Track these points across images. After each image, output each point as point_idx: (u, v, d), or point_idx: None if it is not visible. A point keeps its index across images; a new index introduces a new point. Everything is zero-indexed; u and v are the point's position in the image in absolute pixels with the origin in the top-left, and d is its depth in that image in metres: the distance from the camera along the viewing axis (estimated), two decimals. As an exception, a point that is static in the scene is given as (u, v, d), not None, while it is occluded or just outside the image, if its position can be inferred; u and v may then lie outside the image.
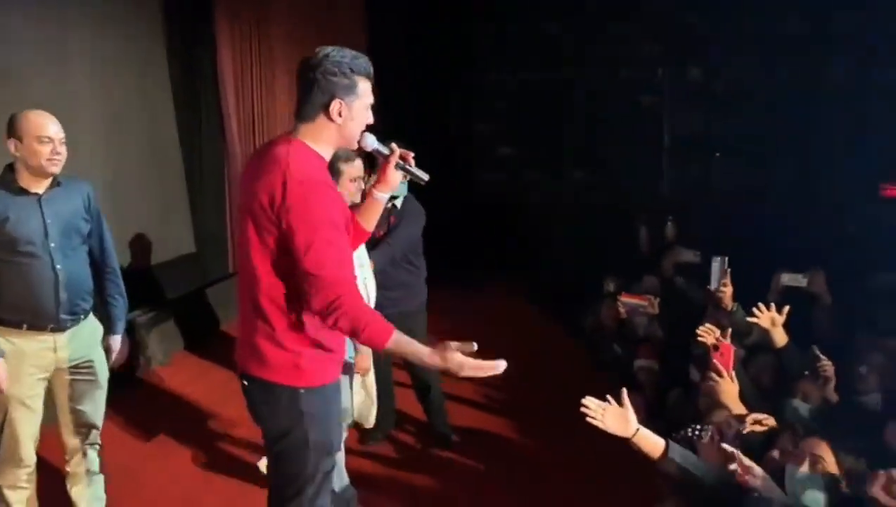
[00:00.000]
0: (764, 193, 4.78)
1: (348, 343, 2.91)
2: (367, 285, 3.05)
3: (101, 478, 3.00)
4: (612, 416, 2.19)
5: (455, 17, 8.16)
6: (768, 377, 3.19)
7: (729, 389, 2.57)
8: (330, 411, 2.13)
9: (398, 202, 3.71)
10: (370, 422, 3.32)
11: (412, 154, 2.21)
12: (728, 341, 2.89)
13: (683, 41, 5.30)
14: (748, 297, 3.53)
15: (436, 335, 4.80)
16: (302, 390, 2.01)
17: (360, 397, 3.16)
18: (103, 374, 2.88)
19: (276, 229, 1.90)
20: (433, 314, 4.05)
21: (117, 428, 4.09)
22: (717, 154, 5.17)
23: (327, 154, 2.06)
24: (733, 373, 2.61)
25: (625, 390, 2.26)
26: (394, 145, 2.19)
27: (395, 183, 2.24)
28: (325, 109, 1.96)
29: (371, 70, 2.05)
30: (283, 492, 2.10)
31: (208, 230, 6.24)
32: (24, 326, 2.61)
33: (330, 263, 1.87)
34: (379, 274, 3.50)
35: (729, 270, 3.37)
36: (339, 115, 1.97)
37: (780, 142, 4.59)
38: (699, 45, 5.17)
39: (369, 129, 2.11)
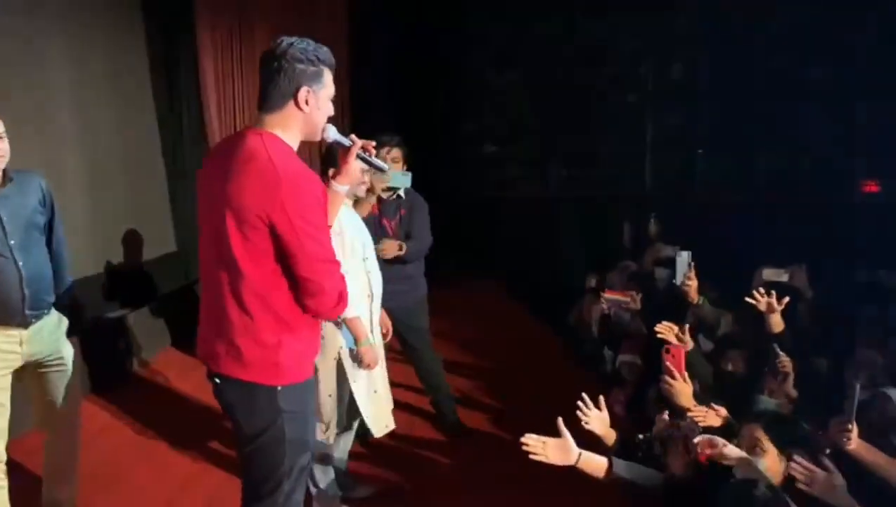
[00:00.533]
0: (747, 189, 4.82)
1: (346, 334, 2.93)
2: (370, 278, 3.03)
3: (74, 465, 3.01)
4: (553, 448, 2.30)
5: (439, 19, 8.16)
6: (738, 371, 3.24)
7: (683, 389, 2.63)
8: (307, 407, 2.14)
9: (401, 193, 3.70)
10: (387, 426, 3.13)
11: (373, 144, 2.20)
12: (687, 337, 2.98)
13: (666, 37, 5.34)
14: (730, 291, 3.58)
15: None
16: (279, 388, 2.01)
17: (368, 400, 3.06)
18: (68, 365, 2.88)
19: (265, 227, 1.88)
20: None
21: (103, 425, 4.10)
22: (700, 151, 5.22)
23: (295, 144, 2.04)
24: (685, 374, 2.66)
25: (560, 420, 2.34)
26: (353, 136, 2.18)
27: (355, 175, 2.21)
28: (294, 97, 1.96)
29: (334, 61, 2.05)
30: (259, 489, 2.10)
31: (189, 230, 6.21)
32: None
33: (326, 247, 1.94)
34: (389, 268, 3.51)
35: (693, 263, 3.41)
36: (307, 103, 1.97)
37: (764, 138, 4.63)
38: (682, 41, 5.20)
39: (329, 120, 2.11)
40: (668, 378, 2.64)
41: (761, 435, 2.21)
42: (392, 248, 3.57)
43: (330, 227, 2.19)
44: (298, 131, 2.03)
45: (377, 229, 3.59)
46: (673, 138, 5.49)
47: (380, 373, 3.08)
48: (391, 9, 7.77)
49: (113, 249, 5.42)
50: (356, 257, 2.90)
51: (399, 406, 3.59)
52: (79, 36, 5.06)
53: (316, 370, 2.75)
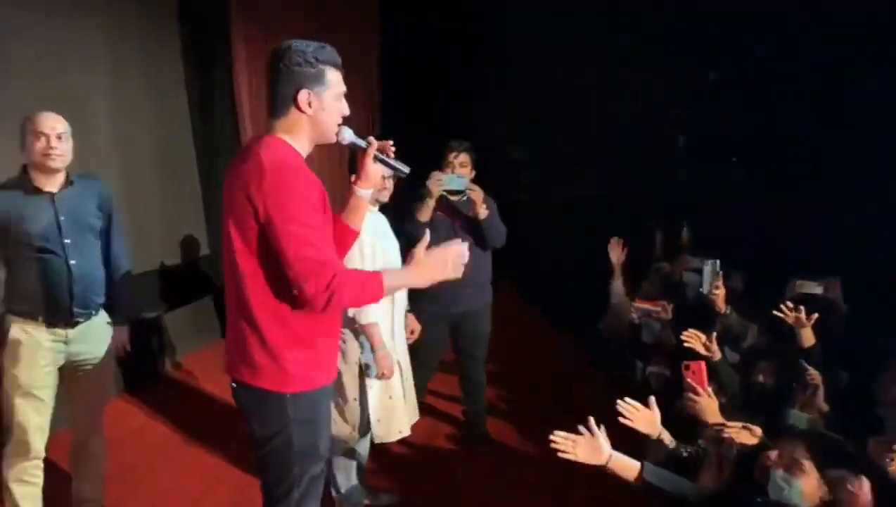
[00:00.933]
0: (783, 198, 4.73)
1: (364, 345, 2.94)
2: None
3: (103, 463, 3.07)
4: (583, 447, 2.23)
5: (468, 22, 8.17)
6: (767, 383, 3.17)
7: (708, 405, 2.56)
8: (317, 416, 2.10)
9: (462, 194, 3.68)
10: (399, 432, 3.12)
11: (391, 143, 2.15)
12: (715, 346, 2.92)
13: (699, 40, 5.25)
14: (764, 303, 3.50)
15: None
16: (288, 396, 2.00)
17: (380, 404, 3.07)
18: (109, 369, 2.99)
19: (256, 224, 1.88)
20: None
21: (134, 426, 4.17)
22: (734, 158, 5.13)
23: (303, 148, 2.02)
24: (709, 389, 2.60)
25: (591, 419, 2.26)
26: (371, 138, 2.13)
27: (375, 178, 2.17)
28: (294, 100, 1.94)
29: (339, 60, 2.01)
30: (272, 493, 2.12)
31: (222, 233, 6.29)
32: (40, 318, 2.70)
33: (313, 244, 1.86)
34: (468, 271, 3.50)
35: (721, 272, 3.35)
36: (309, 105, 1.95)
37: (801, 144, 4.55)
38: (715, 44, 5.11)
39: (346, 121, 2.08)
40: (691, 395, 2.58)
41: (802, 455, 2.12)
42: (478, 196, 3.54)
43: (356, 233, 2.22)
44: (306, 135, 2.00)
45: (449, 232, 3.60)
46: (706, 144, 5.40)
47: (398, 379, 3.07)
48: (421, 14, 7.78)
49: (147, 251, 5.51)
50: (375, 262, 2.89)
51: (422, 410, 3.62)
52: (116, 43, 5.17)
53: (339, 375, 2.77)
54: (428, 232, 2.14)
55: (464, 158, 3.63)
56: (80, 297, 2.73)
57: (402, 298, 3.15)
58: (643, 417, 2.40)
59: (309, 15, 7.01)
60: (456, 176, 3.51)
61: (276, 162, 1.87)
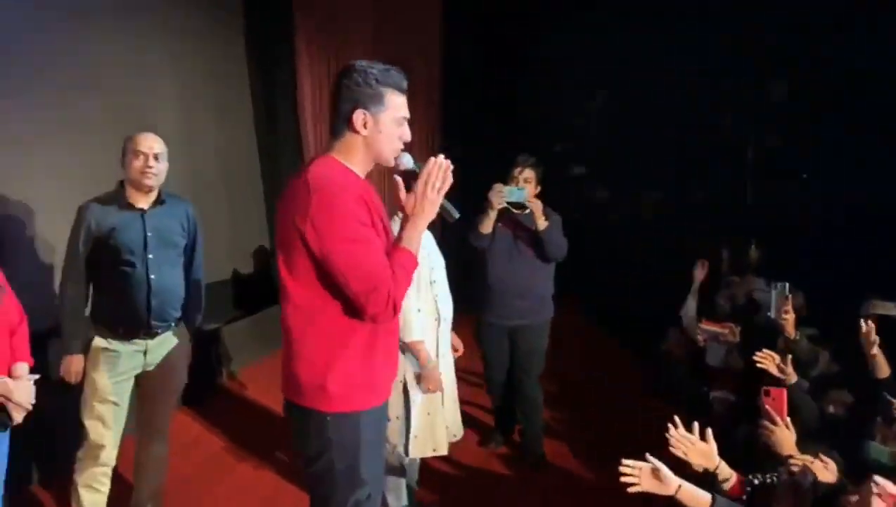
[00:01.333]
0: (855, 216, 4.52)
1: (410, 361, 2.90)
2: (438, 302, 3.03)
3: (164, 471, 3.14)
4: (650, 477, 2.09)
5: (529, 40, 8.12)
6: (840, 413, 2.98)
7: (785, 436, 2.38)
8: (361, 440, 2.01)
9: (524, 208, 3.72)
10: (434, 450, 3.06)
11: (451, 167, 1.93)
12: (790, 369, 2.78)
13: (766, 56, 5.09)
14: (835, 326, 3.32)
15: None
16: (328, 418, 1.96)
17: (419, 420, 3.04)
18: (181, 380, 3.10)
19: (302, 247, 1.85)
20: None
21: (193, 437, 4.23)
22: (804, 175, 4.92)
23: (360, 169, 1.97)
24: (787, 420, 2.42)
25: (649, 454, 2.12)
26: (427, 170, 1.95)
27: (430, 209, 1.98)
28: (349, 121, 1.90)
29: (404, 83, 1.96)
30: None
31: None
32: (121, 330, 2.82)
33: (366, 261, 1.83)
34: (528, 284, 3.69)
35: (790, 296, 3.19)
36: (364, 126, 1.90)
37: (873, 162, 4.33)
38: (783, 60, 4.94)
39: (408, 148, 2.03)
40: (767, 423, 2.41)
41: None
42: (538, 208, 3.60)
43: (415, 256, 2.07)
44: (362, 156, 1.96)
45: (510, 244, 3.73)
46: (774, 161, 5.20)
47: (440, 396, 3.03)
48: (481, 29, 7.78)
49: (210, 262, 5.61)
50: (423, 281, 2.91)
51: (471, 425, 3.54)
52: (182, 48, 5.35)
53: None
54: (399, 180, 1.98)
55: (528, 173, 3.69)
56: (157, 309, 2.85)
57: (448, 317, 3.12)
58: (697, 450, 2.23)
59: (371, 29, 7.08)
60: (517, 189, 3.57)
61: (320, 183, 1.83)
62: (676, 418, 2.27)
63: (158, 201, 2.88)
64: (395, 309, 1.87)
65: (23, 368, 2.48)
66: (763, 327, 3.77)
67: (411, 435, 2.98)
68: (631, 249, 6.66)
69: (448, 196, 1.97)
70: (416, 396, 2.96)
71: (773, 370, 2.77)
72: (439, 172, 1.91)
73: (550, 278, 3.88)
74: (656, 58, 6.52)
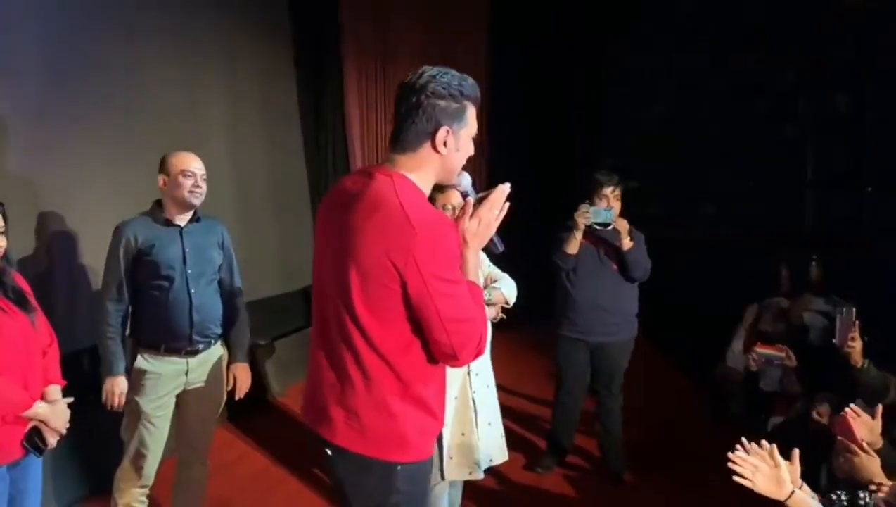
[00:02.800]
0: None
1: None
2: None
3: (204, 492, 3.15)
4: (765, 477, 1.94)
5: (578, 52, 8.02)
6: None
7: (868, 464, 2.22)
8: (426, 487, 1.94)
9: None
10: (470, 473, 2.99)
11: (509, 189, 1.83)
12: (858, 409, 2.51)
13: (827, 67, 4.90)
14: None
15: (547, 370, 4.68)
16: (399, 467, 1.77)
17: (452, 443, 2.98)
18: (220, 399, 3.09)
19: (395, 285, 1.65)
20: (545, 348, 3.92)
21: (237, 454, 4.24)
22: (869, 189, 4.69)
23: (426, 188, 1.80)
24: (865, 444, 2.27)
25: (775, 448, 1.98)
26: (487, 197, 1.85)
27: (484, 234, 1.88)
28: (431, 138, 1.73)
29: (479, 96, 1.80)
30: None
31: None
32: (162, 348, 2.85)
33: (464, 304, 1.70)
34: (612, 301, 3.71)
35: (857, 322, 2.97)
36: (445, 145, 1.74)
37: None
38: (844, 71, 4.75)
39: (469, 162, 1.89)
40: (846, 454, 2.27)
41: None
42: (624, 227, 3.62)
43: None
44: (432, 175, 1.80)
45: (595, 260, 3.76)
46: (837, 176, 4.98)
47: (472, 417, 2.97)
48: (530, 41, 7.73)
49: (258, 278, 5.68)
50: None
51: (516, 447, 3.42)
52: (233, 70, 5.42)
53: None
54: (471, 199, 1.85)
55: (614, 191, 3.69)
56: (199, 325, 2.88)
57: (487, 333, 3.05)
58: (769, 475, 1.96)
59: (420, 52, 7.11)
60: (604, 209, 3.58)
61: (425, 222, 1.64)
62: (744, 440, 2.06)
63: (195, 219, 2.94)
64: (481, 352, 1.77)
65: (56, 391, 2.49)
66: (817, 350, 3.60)
67: (445, 456, 2.92)
68: (685, 265, 6.47)
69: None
70: (447, 417, 2.90)
71: (866, 434, 2.35)
72: (503, 198, 1.80)
73: (635, 295, 3.87)
74: (712, 70, 6.38)
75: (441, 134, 1.72)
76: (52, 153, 3.71)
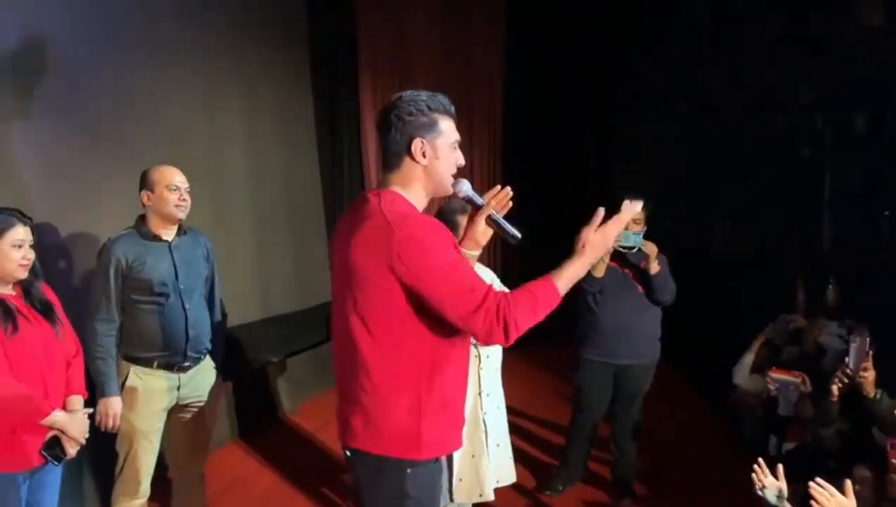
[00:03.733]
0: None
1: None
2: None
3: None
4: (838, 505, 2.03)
5: (593, 66, 8.02)
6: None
7: None
8: (435, 491, 2.00)
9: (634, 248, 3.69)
10: (480, 495, 3.01)
11: (510, 193, 2.03)
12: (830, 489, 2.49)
13: (846, 85, 4.85)
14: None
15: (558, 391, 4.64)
16: (409, 470, 1.87)
17: (461, 463, 2.96)
18: (211, 416, 3.09)
19: (391, 284, 1.78)
20: (556, 368, 3.89)
21: (247, 472, 4.22)
22: (887, 212, 4.62)
23: (419, 202, 1.94)
24: None
25: (848, 482, 2.06)
26: (489, 194, 2.05)
27: (482, 239, 2.07)
28: (408, 150, 1.88)
29: (452, 108, 1.95)
30: None
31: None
32: (155, 363, 2.85)
33: (466, 280, 1.77)
34: (637, 323, 3.68)
35: (871, 352, 2.88)
36: (423, 155, 1.88)
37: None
38: (863, 90, 4.70)
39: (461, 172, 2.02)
40: None
41: None
42: (652, 251, 3.59)
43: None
44: (422, 187, 1.93)
45: (622, 281, 3.72)
46: (854, 196, 4.92)
47: (482, 438, 2.97)
48: (546, 55, 7.73)
49: (273, 295, 5.70)
50: None
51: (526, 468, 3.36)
52: (250, 91, 5.46)
53: None
54: (601, 212, 1.93)
55: (641, 214, 3.64)
56: (193, 340, 2.90)
57: (496, 353, 3.05)
58: (838, 502, 2.05)
59: (436, 65, 7.14)
60: (631, 233, 3.55)
61: (400, 217, 1.80)
62: (761, 460, 2.25)
63: (181, 232, 2.95)
64: (508, 330, 1.76)
65: (78, 401, 2.53)
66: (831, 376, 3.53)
67: (455, 478, 2.91)
68: (700, 284, 6.42)
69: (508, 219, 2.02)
70: None
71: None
72: (629, 216, 1.98)
73: (659, 318, 3.84)
74: (728, 86, 6.34)
75: (416, 145, 1.87)
76: (71, 169, 3.75)
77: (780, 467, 2.26)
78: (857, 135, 4.83)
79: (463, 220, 2.79)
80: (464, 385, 2.00)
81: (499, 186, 2.04)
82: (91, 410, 2.56)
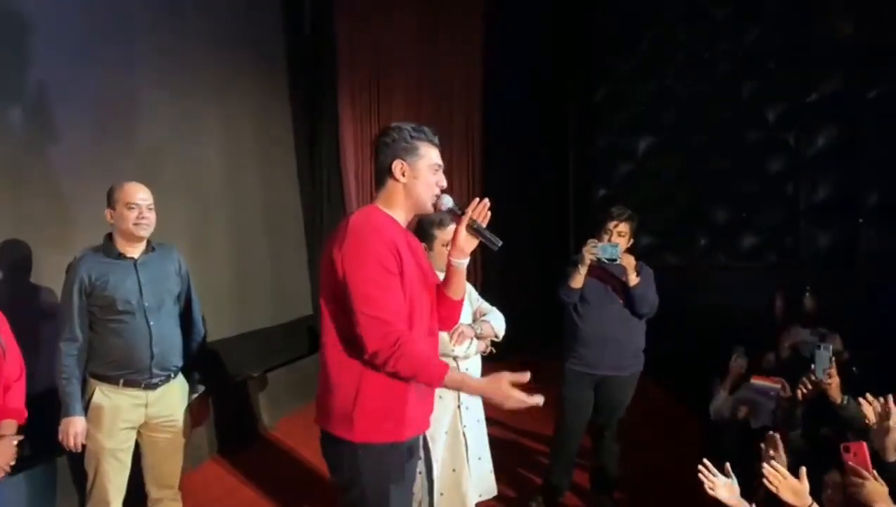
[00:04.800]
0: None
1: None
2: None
3: None
4: (787, 486, 2.24)
5: (574, 79, 8.07)
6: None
7: (877, 489, 2.25)
8: (389, 474, 2.11)
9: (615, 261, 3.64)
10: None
11: (488, 204, 2.19)
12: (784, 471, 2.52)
13: (820, 98, 4.93)
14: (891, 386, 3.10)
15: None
16: (360, 452, 2.07)
17: (442, 478, 2.97)
18: (181, 433, 3.01)
19: (340, 280, 2.00)
20: (540, 381, 3.85)
21: (227, 488, 4.16)
22: (861, 220, 4.69)
23: (400, 217, 2.18)
24: (875, 472, 2.28)
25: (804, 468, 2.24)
26: (470, 207, 2.20)
27: (467, 247, 2.22)
28: (389, 170, 2.13)
29: (434, 137, 2.19)
30: None
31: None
32: (121, 381, 2.81)
33: (380, 303, 1.97)
34: (619, 335, 3.66)
35: (833, 358, 2.97)
36: (403, 174, 2.13)
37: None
38: (837, 101, 4.78)
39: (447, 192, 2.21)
40: (855, 479, 2.29)
41: None
42: (630, 263, 3.57)
43: (459, 302, 2.35)
44: (402, 203, 2.17)
45: (603, 293, 3.70)
46: (829, 205, 5.00)
47: (463, 451, 2.99)
48: (526, 70, 7.77)
49: (252, 310, 5.66)
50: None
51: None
52: (228, 108, 5.46)
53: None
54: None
55: (623, 226, 3.62)
56: (158, 358, 2.84)
57: (475, 365, 3.06)
58: (790, 485, 2.26)
59: (414, 86, 7.18)
60: (610, 245, 3.51)
61: (358, 225, 2.05)
62: (706, 461, 2.42)
63: (149, 249, 2.90)
64: (388, 363, 1.96)
65: (10, 426, 2.51)
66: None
67: (436, 492, 2.88)
68: (681, 296, 6.45)
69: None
70: (436, 452, 2.90)
71: (784, 497, 2.35)
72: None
73: (643, 330, 3.82)
74: (708, 103, 6.42)
75: (396, 165, 2.13)
76: (44, 183, 3.72)
77: (728, 464, 2.41)
78: (832, 146, 4.92)
79: (440, 232, 2.96)
80: (411, 384, 2.09)
81: (477, 199, 2.19)
82: (21, 437, 2.53)
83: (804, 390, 3.06)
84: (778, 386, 3.85)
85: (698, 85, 6.46)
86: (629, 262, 3.57)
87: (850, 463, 2.32)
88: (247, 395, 5.09)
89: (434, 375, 2.01)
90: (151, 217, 2.84)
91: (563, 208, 7.95)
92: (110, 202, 2.80)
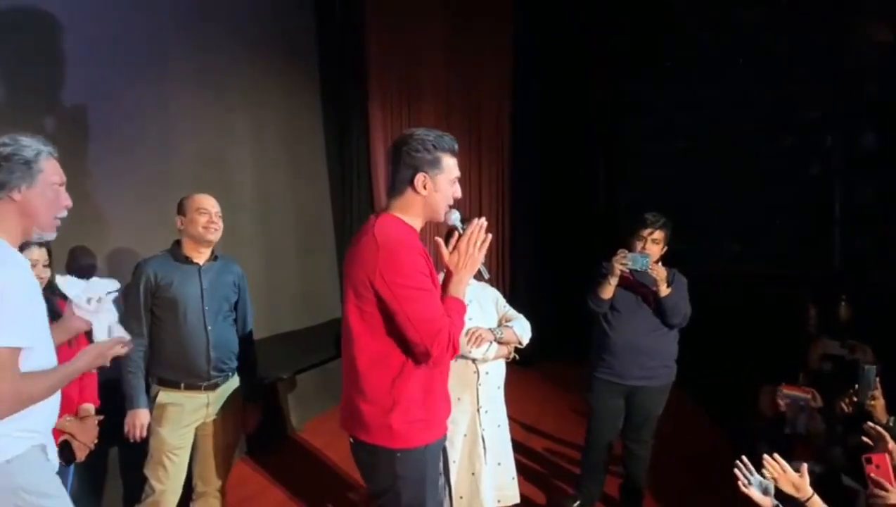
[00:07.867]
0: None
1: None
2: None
3: None
4: (788, 478, 2.33)
5: (600, 86, 8.05)
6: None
7: None
8: (424, 475, 2.16)
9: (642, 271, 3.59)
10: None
11: (485, 224, 2.19)
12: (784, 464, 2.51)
13: (854, 104, 4.84)
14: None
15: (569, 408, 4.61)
16: (398, 454, 2.10)
17: (459, 481, 2.99)
18: (235, 431, 3.15)
19: (373, 297, 2.03)
20: (567, 386, 3.84)
21: (255, 489, 4.21)
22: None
23: (415, 223, 2.19)
24: None
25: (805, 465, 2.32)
26: (468, 230, 2.20)
27: (472, 264, 2.21)
28: (411, 182, 2.13)
29: (455, 147, 2.21)
30: None
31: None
32: (182, 385, 2.93)
33: (432, 309, 2.02)
34: (649, 344, 3.58)
35: (879, 378, 2.92)
36: (424, 187, 2.13)
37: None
38: (872, 108, 4.69)
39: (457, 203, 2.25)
40: (878, 491, 2.27)
41: None
42: (661, 275, 3.49)
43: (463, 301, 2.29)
44: (419, 213, 2.18)
45: (634, 302, 3.64)
46: (865, 212, 4.90)
47: (481, 455, 3.01)
48: (553, 74, 7.76)
49: (282, 312, 5.72)
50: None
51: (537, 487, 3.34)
52: (260, 108, 5.54)
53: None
54: (458, 232, 2.24)
55: (658, 234, 3.56)
56: (216, 361, 2.97)
57: (496, 369, 3.05)
58: (789, 478, 2.35)
59: (444, 90, 7.21)
60: (640, 255, 3.46)
61: (387, 238, 2.05)
62: (744, 458, 2.48)
63: (213, 258, 3.04)
64: (455, 349, 2.05)
65: (89, 408, 2.69)
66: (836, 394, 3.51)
67: (455, 495, 2.90)
68: (709, 304, 6.38)
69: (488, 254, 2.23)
70: (454, 454, 2.95)
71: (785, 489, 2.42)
72: (480, 232, 2.15)
73: (675, 340, 3.72)
74: (738, 105, 6.35)
75: (419, 179, 2.13)
76: (83, 192, 3.80)
77: (804, 464, 2.42)
78: (867, 152, 4.82)
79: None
80: (434, 386, 2.18)
81: (476, 219, 2.19)
82: (102, 417, 2.69)
83: (845, 409, 3.01)
84: (808, 396, 3.80)
85: (730, 90, 6.39)
86: (660, 274, 3.48)
87: (873, 475, 2.31)
88: (276, 397, 5.14)
89: (463, 311, 2.15)
90: (220, 224, 3.00)
91: (592, 216, 7.91)
92: (181, 210, 2.97)
